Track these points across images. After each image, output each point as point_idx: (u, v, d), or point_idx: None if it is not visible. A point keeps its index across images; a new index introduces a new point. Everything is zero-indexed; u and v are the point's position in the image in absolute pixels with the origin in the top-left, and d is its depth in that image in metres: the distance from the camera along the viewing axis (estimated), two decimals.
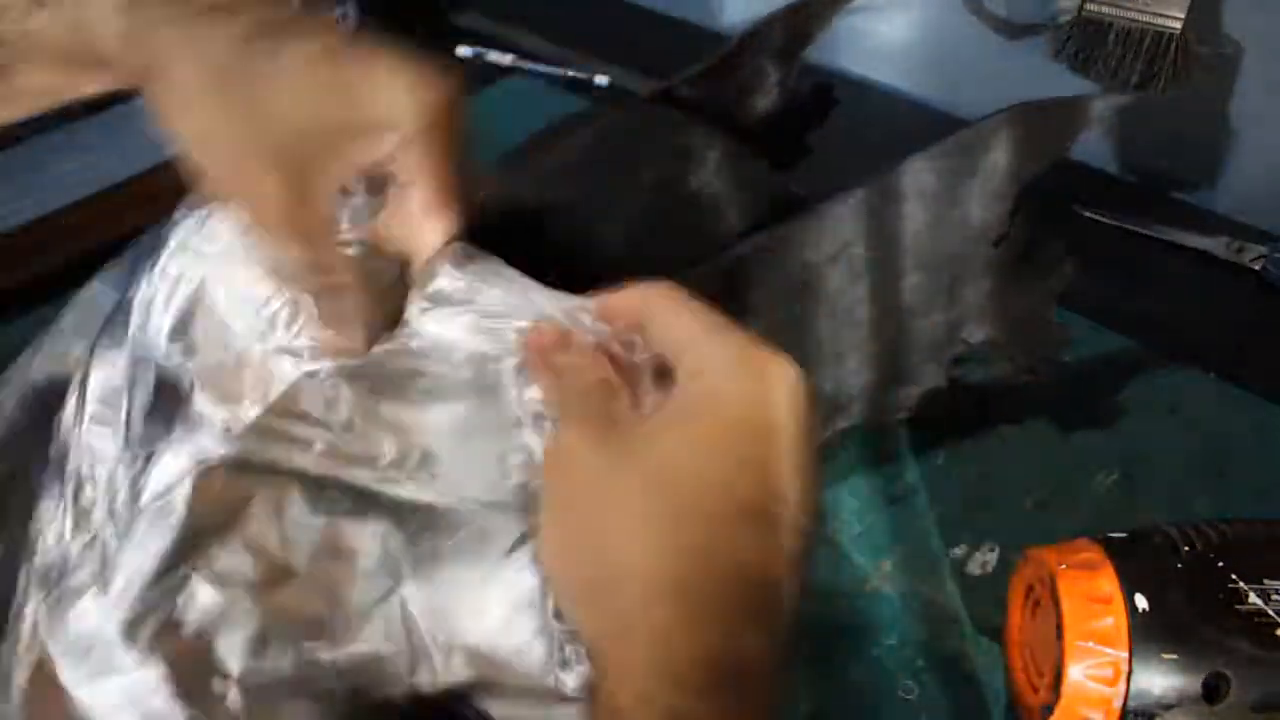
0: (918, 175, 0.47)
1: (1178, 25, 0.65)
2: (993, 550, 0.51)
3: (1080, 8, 0.68)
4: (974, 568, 0.51)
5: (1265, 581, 0.38)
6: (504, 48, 0.94)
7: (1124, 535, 0.41)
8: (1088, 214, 0.73)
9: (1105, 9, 0.67)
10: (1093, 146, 0.79)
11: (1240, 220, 0.72)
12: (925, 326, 0.49)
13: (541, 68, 0.91)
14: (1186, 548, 0.39)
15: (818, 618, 0.49)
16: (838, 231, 0.47)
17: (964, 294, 0.49)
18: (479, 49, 0.93)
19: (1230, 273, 0.68)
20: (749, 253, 0.47)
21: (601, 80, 0.89)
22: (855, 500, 0.54)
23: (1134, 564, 0.39)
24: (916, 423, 0.57)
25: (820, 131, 0.66)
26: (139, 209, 0.73)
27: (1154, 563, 0.39)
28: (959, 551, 0.51)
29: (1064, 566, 0.40)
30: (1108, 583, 0.39)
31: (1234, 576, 0.38)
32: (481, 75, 0.92)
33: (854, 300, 0.48)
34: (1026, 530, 0.52)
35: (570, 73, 0.90)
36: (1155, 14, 0.66)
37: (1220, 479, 0.54)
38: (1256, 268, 0.67)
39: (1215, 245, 0.69)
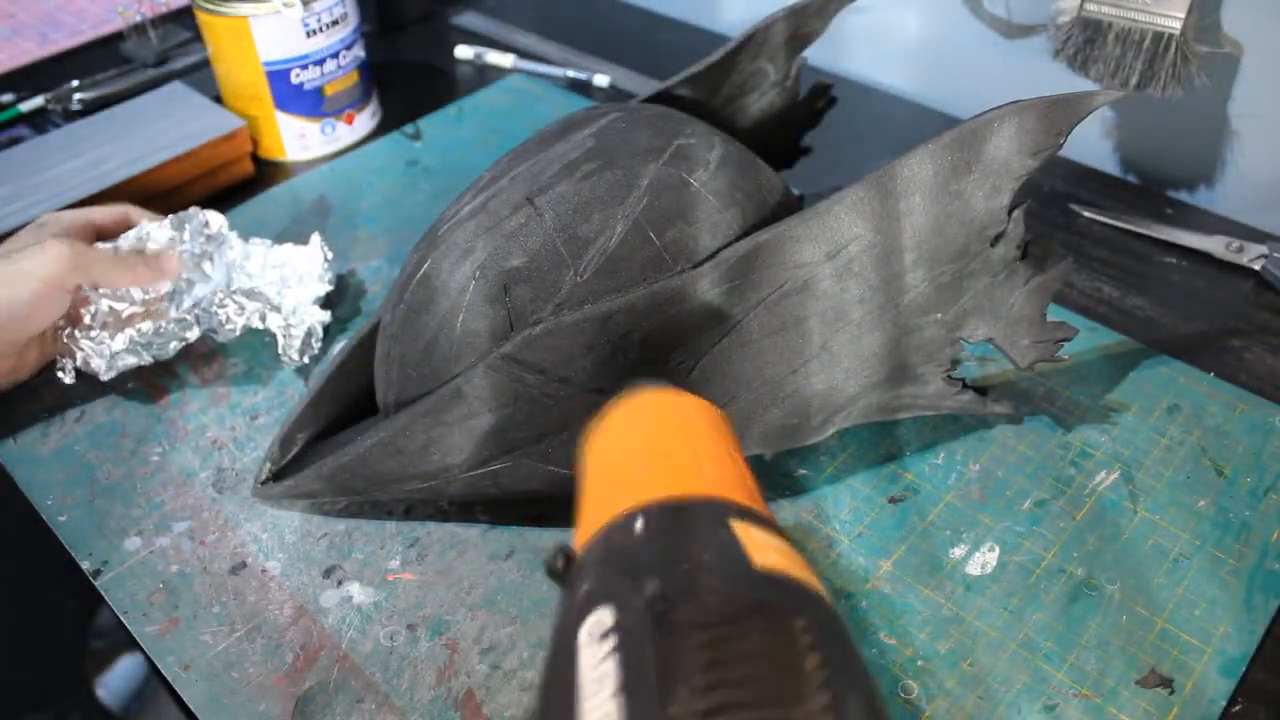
0: (915, 171, 0.47)
1: (1178, 25, 0.65)
2: (993, 550, 0.51)
3: (1080, 8, 0.68)
4: (974, 568, 0.51)
5: None
6: (504, 48, 0.94)
7: None
8: (1088, 214, 0.73)
9: (1105, 9, 0.67)
10: (1093, 146, 0.79)
11: (1240, 220, 0.72)
12: (925, 325, 0.49)
13: (541, 68, 0.91)
14: None
15: None
16: (835, 229, 0.47)
17: (964, 291, 0.49)
18: (479, 49, 0.94)
19: (1230, 273, 0.68)
20: (747, 252, 0.47)
21: (601, 80, 0.89)
22: (855, 500, 0.54)
23: None
24: (916, 422, 0.57)
25: (820, 132, 0.66)
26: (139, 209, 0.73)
27: None
28: (959, 551, 0.51)
29: None
30: None
31: None
32: (481, 75, 0.92)
33: (852, 299, 0.48)
34: (1026, 530, 0.52)
35: (570, 73, 0.90)
36: (1155, 14, 0.66)
37: (1220, 479, 0.54)
38: (1256, 268, 0.68)
39: (1215, 245, 0.69)
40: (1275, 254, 0.67)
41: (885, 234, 0.47)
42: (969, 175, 0.47)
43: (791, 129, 0.65)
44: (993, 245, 0.48)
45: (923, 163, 0.47)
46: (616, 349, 0.46)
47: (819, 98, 0.65)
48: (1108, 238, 0.71)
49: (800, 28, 0.60)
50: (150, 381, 0.62)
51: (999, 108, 0.47)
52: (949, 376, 0.51)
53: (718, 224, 0.48)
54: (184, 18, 0.98)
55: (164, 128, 0.76)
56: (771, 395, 0.49)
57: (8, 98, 0.88)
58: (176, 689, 0.46)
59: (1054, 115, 0.47)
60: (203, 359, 0.63)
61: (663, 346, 0.47)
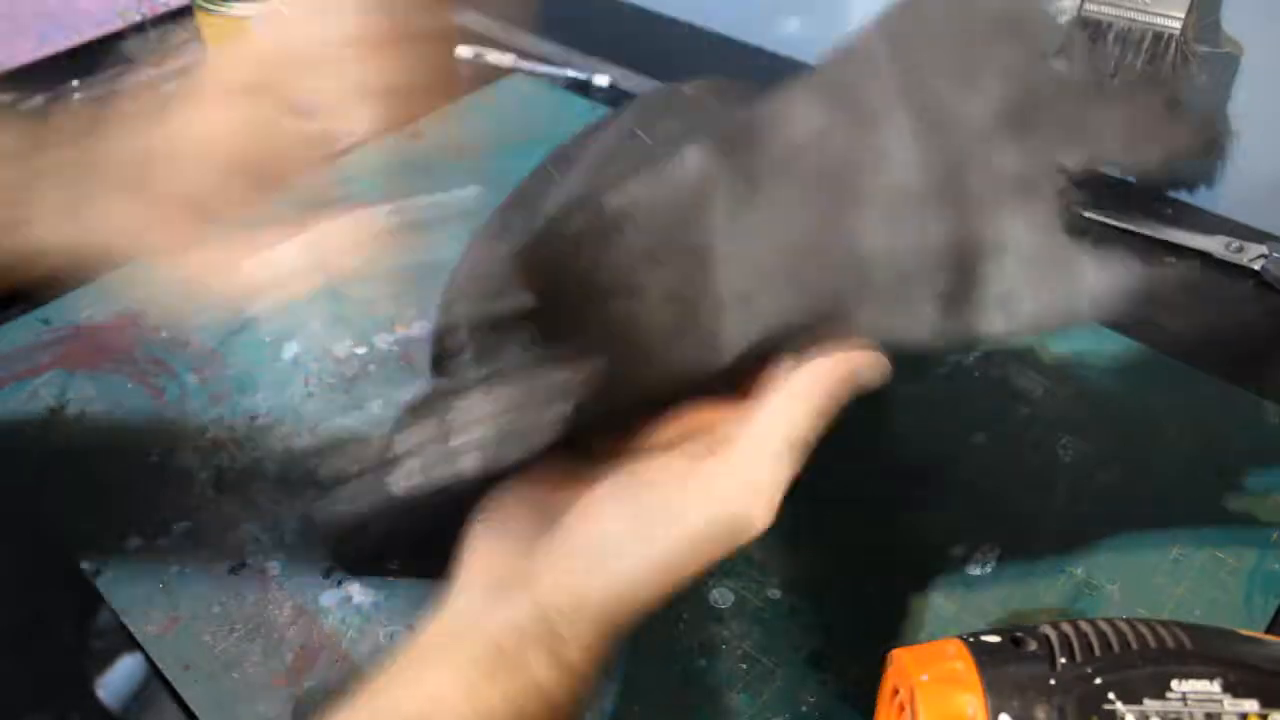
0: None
1: (1178, 25, 0.65)
2: (993, 550, 0.51)
3: (1080, 7, 0.68)
4: (974, 568, 0.51)
5: (1145, 702, 0.34)
6: (504, 48, 0.94)
7: (997, 639, 0.37)
8: (1088, 214, 0.73)
9: (1105, 9, 0.67)
10: None
11: (1240, 220, 0.72)
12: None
13: (541, 68, 0.91)
14: (1063, 659, 0.36)
15: (818, 618, 0.49)
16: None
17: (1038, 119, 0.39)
18: (479, 49, 0.93)
19: (1230, 273, 0.68)
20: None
21: (601, 80, 0.89)
22: (855, 500, 0.54)
23: (1003, 677, 0.36)
24: (914, 422, 0.57)
25: None
26: None
27: (1025, 676, 0.36)
28: (959, 551, 0.51)
29: (925, 678, 0.36)
30: (971, 701, 0.35)
31: (1111, 696, 0.34)
32: (481, 75, 0.92)
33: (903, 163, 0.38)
34: (1026, 530, 0.52)
35: (570, 73, 0.90)
36: (1155, 14, 0.66)
37: (1220, 479, 0.54)
38: (1256, 268, 0.68)
39: (1215, 245, 0.69)
40: (1275, 254, 0.67)
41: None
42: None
43: None
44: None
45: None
46: None
47: None
48: (1108, 238, 0.71)
49: None
50: (150, 381, 0.62)
51: None
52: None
53: None
54: (184, 18, 0.98)
55: None
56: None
57: (8, 98, 0.88)
58: (176, 689, 0.46)
59: None
60: (203, 359, 0.63)
61: None
